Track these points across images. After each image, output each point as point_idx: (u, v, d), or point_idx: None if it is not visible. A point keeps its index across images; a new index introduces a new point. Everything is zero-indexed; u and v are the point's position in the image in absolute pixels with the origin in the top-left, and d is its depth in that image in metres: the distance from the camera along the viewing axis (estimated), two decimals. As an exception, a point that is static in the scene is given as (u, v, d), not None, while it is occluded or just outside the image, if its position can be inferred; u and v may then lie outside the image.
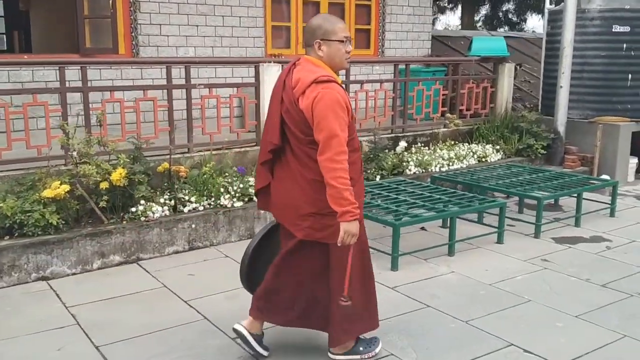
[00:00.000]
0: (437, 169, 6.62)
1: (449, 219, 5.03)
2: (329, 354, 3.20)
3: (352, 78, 7.21)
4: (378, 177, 6.14)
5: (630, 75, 7.55)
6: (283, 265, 3.08)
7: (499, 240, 5.20)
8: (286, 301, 3.13)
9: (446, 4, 21.70)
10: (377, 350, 3.24)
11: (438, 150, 6.97)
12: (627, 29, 7.45)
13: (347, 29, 2.98)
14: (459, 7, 20.90)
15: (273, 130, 2.96)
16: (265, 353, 3.20)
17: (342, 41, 2.91)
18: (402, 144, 6.47)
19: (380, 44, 8.71)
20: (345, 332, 3.11)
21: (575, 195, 5.80)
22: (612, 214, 6.06)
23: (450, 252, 4.87)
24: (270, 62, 6.09)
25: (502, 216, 5.19)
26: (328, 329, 3.12)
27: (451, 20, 33.04)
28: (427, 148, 7.18)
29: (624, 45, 7.49)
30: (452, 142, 7.42)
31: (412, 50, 8.95)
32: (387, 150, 6.58)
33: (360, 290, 3.09)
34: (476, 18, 21.24)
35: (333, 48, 2.90)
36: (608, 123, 7.47)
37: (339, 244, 2.83)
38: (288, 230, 3.05)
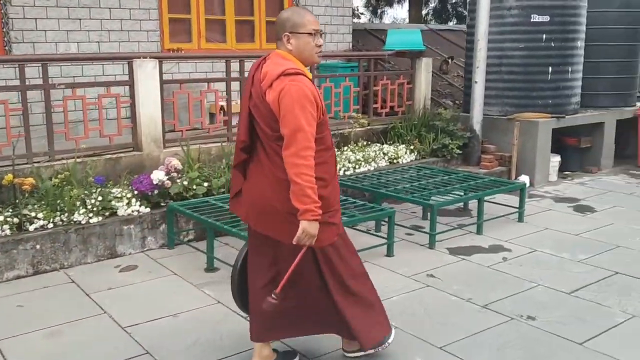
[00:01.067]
0: (342, 173, 6.11)
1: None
2: (344, 352, 3.19)
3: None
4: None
5: (550, 68, 7.15)
6: (274, 278, 2.88)
7: (389, 253, 4.71)
8: (292, 312, 2.96)
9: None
10: (390, 341, 3.12)
11: (347, 152, 6.47)
12: (546, 18, 7.03)
13: (318, 22, 2.88)
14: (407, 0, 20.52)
15: (241, 127, 2.86)
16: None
17: (311, 34, 2.82)
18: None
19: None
20: (366, 334, 3.02)
21: (485, 199, 5.35)
22: (520, 219, 5.62)
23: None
24: (146, 57, 5.50)
25: (390, 226, 4.70)
26: (333, 331, 3.07)
27: (399, 13, 32.68)
28: (335, 150, 6.67)
29: (544, 36, 7.07)
30: (365, 143, 6.93)
31: (330, 44, 8.43)
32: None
33: (371, 290, 3.08)
34: (425, 11, 20.87)
35: (302, 41, 2.80)
36: (526, 120, 7.05)
37: (294, 242, 2.70)
38: (269, 238, 2.86)
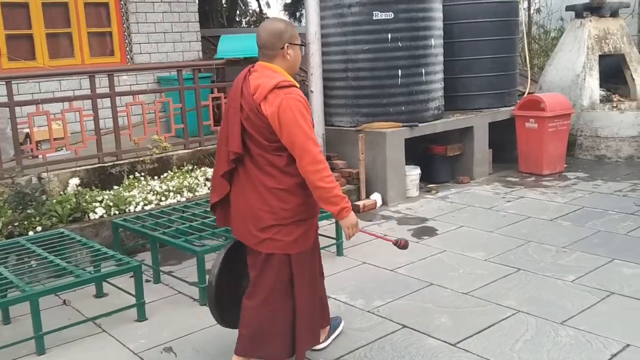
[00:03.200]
0: (140, 208, 5.21)
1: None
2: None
3: (99, 91, 5.75)
4: (39, 228, 4.68)
5: (400, 72, 6.35)
6: (254, 289, 2.93)
7: (139, 317, 3.82)
8: (253, 330, 2.94)
9: None
10: (341, 326, 3.47)
11: (153, 182, 5.57)
12: (390, 15, 6.24)
13: None
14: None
15: (234, 138, 2.84)
16: None
17: (302, 45, 2.98)
18: (73, 181, 5.00)
19: (127, 48, 7.25)
20: (315, 339, 3.12)
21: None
22: (339, 252, 4.79)
23: (39, 350, 3.45)
24: None
25: (138, 285, 3.79)
26: (289, 353, 2.99)
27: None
28: (155, 177, 5.77)
29: (389, 36, 6.27)
30: (194, 167, 6.05)
31: (174, 54, 7.54)
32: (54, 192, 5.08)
33: (311, 302, 3.03)
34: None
35: (297, 52, 2.93)
36: (374, 131, 6.25)
37: (348, 239, 3.01)
38: (250, 247, 2.93)
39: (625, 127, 7.92)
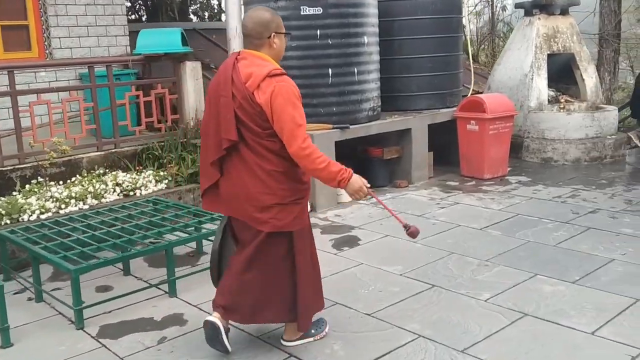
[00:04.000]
0: (35, 217, 4.76)
1: None
2: (284, 342, 3.25)
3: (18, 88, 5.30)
4: None
5: (330, 71, 6.01)
6: (251, 263, 3.05)
7: (3, 344, 3.38)
8: (252, 300, 3.09)
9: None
10: (327, 330, 3.36)
11: (56, 188, 5.13)
12: (318, 10, 5.87)
13: None
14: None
15: (228, 126, 2.90)
16: (230, 348, 3.12)
17: (287, 34, 3.08)
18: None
19: (46, 43, 6.77)
20: (309, 317, 3.19)
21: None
22: (171, 293, 4.40)
23: None
24: None
25: (1, 307, 3.39)
26: (289, 317, 3.15)
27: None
28: (61, 182, 5.33)
29: (318, 32, 5.92)
30: (106, 171, 5.63)
31: (99, 49, 7.07)
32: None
33: (313, 274, 3.21)
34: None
35: (283, 41, 3.02)
36: (302, 132, 5.90)
37: (356, 199, 3.11)
38: (247, 225, 3.02)
39: (572, 129, 7.69)
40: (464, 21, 7.46)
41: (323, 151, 5.86)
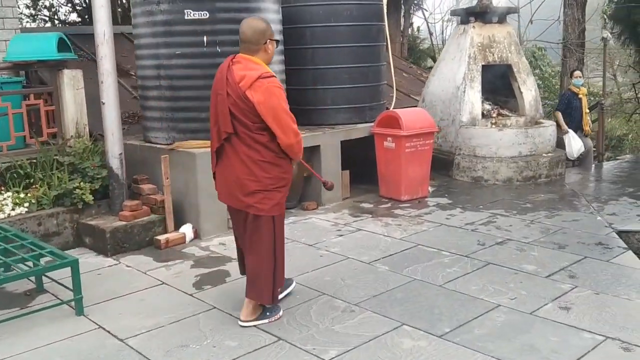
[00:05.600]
0: None
1: None
2: (241, 323, 3.53)
3: None
4: None
5: (220, 81, 5.43)
6: (250, 247, 3.52)
7: None
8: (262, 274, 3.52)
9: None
10: (280, 314, 3.63)
11: None
12: (205, 14, 5.27)
13: None
14: None
15: (225, 120, 3.36)
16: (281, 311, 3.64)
17: (277, 40, 3.57)
18: None
19: None
20: (277, 294, 3.63)
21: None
22: (79, 312, 3.76)
23: None
24: None
25: None
26: (265, 298, 3.54)
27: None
28: None
29: (204, 39, 5.35)
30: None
31: (-17, 54, 6.44)
32: None
33: (283, 255, 3.62)
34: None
35: (274, 46, 3.48)
36: (185, 150, 5.31)
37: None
38: (237, 211, 3.52)
39: (505, 146, 7.15)
40: (386, 30, 6.86)
41: (209, 172, 5.32)
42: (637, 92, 17.44)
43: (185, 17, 5.26)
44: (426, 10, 17.64)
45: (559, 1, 14.41)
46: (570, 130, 8.18)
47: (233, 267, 4.50)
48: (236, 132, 3.34)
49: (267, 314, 3.58)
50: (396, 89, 7.61)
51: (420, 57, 17.04)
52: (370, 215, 5.82)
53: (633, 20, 12.78)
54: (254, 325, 3.49)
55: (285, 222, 5.66)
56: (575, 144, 8.10)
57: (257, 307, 3.56)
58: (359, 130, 6.51)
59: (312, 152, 6.14)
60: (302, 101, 6.53)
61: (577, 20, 13.89)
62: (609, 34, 12.49)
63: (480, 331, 3.36)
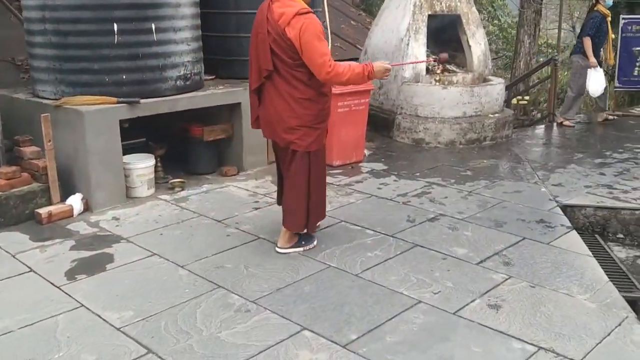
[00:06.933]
0: None
1: None
2: (278, 249, 3.78)
3: None
4: None
5: (116, 26, 4.59)
6: (287, 180, 3.73)
7: None
8: (297, 206, 3.74)
9: None
10: (314, 243, 3.86)
11: None
12: (95, -55, 4.44)
13: None
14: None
15: (266, 58, 3.45)
16: (315, 241, 3.89)
17: None
18: None
19: None
20: (314, 222, 3.87)
21: None
22: None
23: None
24: None
25: None
26: (301, 226, 3.79)
27: None
28: None
29: (96, -26, 4.50)
30: None
31: None
32: None
33: (321, 188, 3.82)
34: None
35: None
36: (72, 107, 4.53)
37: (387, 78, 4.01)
38: (279, 145, 3.68)
39: (448, 105, 6.57)
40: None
41: (101, 133, 4.58)
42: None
43: (71, -54, 4.40)
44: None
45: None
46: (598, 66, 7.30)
47: (120, 249, 3.85)
48: (277, 69, 3.47)
49: (303, 242, 3.82)
50: (342, 39, 6.90)
51: (373, 3, 16.18)
52: (295, 183, 5.21)
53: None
54: (291, 252, 3.74)
55: (197, 191, 5.13)
56: (601, 81, 7.29)
57: (292, 236, 3.79)
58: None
59: (233, 111, 5.43)
60: (223, 51, 5.75)
61: (537, -30, 13.26)
62: (567, -15, 11.88)
63: (393, 338, 2.83)
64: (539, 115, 11.40)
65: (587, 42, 7.30)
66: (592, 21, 7.33)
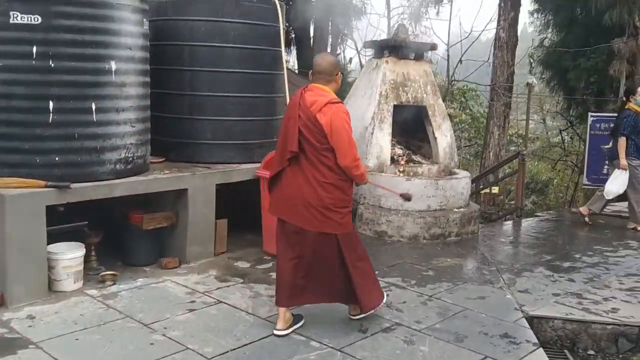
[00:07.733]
0: None
1: None
2: (278, 332, 3.79)
3: None
4: None
5: (52, 104, 4.26)
6: (309, 260, 3.81)
7: None
8: (312, 284, 3.89)
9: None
10: (384, 301, 4.08)
11: None
12: (36, 19, 4.10)
13: None
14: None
15: (292, 139, 3.66)
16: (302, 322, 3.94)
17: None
18: None
19: None
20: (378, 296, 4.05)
21: None
22: None
23: None
24: None
25: None
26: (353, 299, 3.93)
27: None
28: None
29: (34, 49, 4.16)
30: None
31: None
32: None
33: (365, 267, 3.99)
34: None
35: (340, 77, 3.89)
36: (-7, 191, 4.12)
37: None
38: (300, 228, 3.74)
39: (413, 198, 6.30)
40: (283, 57, 5.91)
41: (21, 220, 4.11)
42: (563, 138, 17.35)
43: (10, 21, 4.08)
44: (354, 41, 16.94)
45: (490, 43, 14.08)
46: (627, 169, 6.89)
47: (23, 358, 3.32)
48: (304, 152, 3.66)
49: (296, 321, 3.93)
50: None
51: (346, 90, 16.34)
52: (242, 281, 4.75)
53: (563, 67, 12.51)
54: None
55: (130, 286, 4.62)
56: (622, 186, 6.88)
57: (291, 316, 3.87)
58: (242, 172, 5.44)
59: (179, 197, 5.04)
60: (175, 132, 5.45)
61: (507, 63, 13.50)
62: (534, 80, 12.12)
63: None
64: (511, 203, 11.24)
65: (622, 142, 6.89)
66: (626, 120, 6.95)
